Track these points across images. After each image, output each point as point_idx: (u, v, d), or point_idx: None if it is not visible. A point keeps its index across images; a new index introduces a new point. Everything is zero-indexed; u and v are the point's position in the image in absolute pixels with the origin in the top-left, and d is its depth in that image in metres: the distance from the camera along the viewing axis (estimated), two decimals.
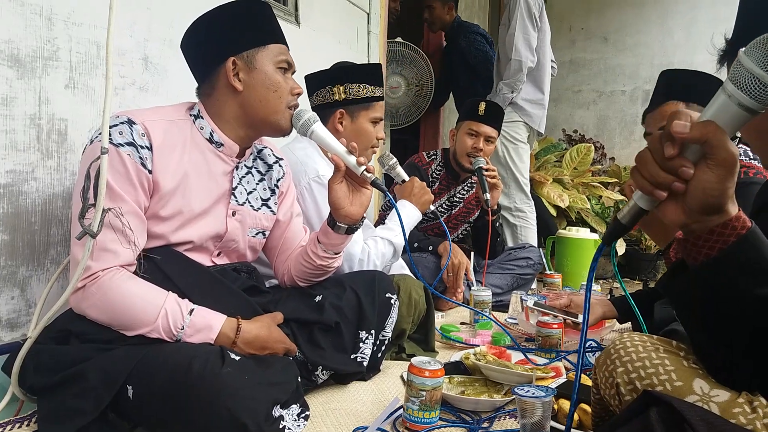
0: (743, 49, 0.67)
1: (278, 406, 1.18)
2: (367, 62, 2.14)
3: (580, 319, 1.93)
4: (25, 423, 1.27)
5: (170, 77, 1.87)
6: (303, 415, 1.26)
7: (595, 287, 2.38)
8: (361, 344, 1.56)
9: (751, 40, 1.01)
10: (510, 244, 3.55)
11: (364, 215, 1.54)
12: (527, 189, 3.66)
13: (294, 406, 1.23)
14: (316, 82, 2.06)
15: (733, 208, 0.67)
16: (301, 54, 2.34)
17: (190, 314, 1.27)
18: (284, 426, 1.19)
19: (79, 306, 1.24)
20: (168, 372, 1.14)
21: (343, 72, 2.05)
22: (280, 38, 1.47)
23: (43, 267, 1.51)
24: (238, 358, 1.22)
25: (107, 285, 1.23)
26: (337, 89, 2.01)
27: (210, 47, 1.42)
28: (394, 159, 2.17)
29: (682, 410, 0.76)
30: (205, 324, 1.29)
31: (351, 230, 1.52)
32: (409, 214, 2.15)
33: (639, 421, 0.79)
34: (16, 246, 1.45)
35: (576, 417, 1.40)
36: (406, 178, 2.19)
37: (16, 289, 1.46)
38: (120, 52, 1.70)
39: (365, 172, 1.44)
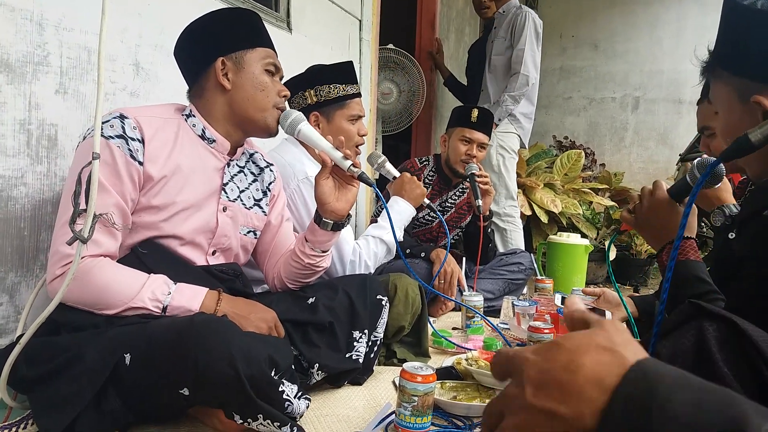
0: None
1: (277, 375, 1.18)
2: (343, 64, 2.13)
3: (608, 316, 1.93)
4: (14, 429, 1.25)
5: (161, 83, 1.87)
6: (304, 396, 1.26)
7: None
8: (355, 343, 1.57)
9: (733, 53, 1.02)
10: (500, 247, 3.58)
11: (350, 213, 1.56)
12: (515, 195, 3.76)
13: (294, 385, 1.23)
14: (291, 88, 2.07)
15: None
16: (293, 60, 2.35)
17: (175, 284, 1.32)
18: (283, 391, 1.18)
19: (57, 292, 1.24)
20: (168, 329, 1.16)
21: (313, 75, 2.06)
22: (268, 43, 1.52)
23: (32, 273, 1.50)
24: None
25: (88, 268, 1.25)
26: (308, 93, 2.03)
27: (200, 49, 1.47)
28: (383, 157, 2.15)
29: (746, 328, 0.70)
30: (191, 291, 1.33)
31: (337, 227, 1.54)
32: (402, 209, 2.14)
33: (691, 334, 0.74)
34: (5, 252, 1.44)
35: None
36: (397, 174, 2.15)
37: (4, 296, 1.45)
38: (111, 57, 1.69)
39: (352, 167, 1.46)
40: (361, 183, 1.51)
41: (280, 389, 1.17)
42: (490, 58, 3.73)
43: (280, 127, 1.53)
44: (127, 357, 1.16)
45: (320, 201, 1.50)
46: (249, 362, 1.10)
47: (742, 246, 0.79)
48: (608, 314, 1.95)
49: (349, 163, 1.47)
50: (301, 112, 1.54)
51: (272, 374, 1.16)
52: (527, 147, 3.97)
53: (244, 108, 1.47)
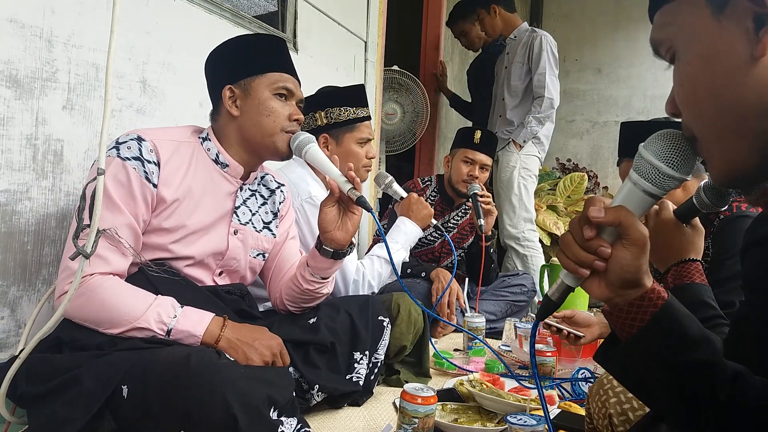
0: (642, 144, 0.74)
1: (275, 411, 1.16)
2: (354, 87, 2.16)
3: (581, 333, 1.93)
4: None
5: (168, 100, 1.88)
6: (303, 430, 1.25)
7: (590, 313, 2.37)
8: (355, 365, 1.56)
9: None
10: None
11: (353, 242, 1.54)
12: (534, 219, 3.71)
13: (293, 419, 1.22)
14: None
15: (648, 281, 0.72)
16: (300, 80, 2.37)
17: (182, 308, 1.31)
18: (283, 431, 1.17)
19: (65, 309, 1.23)
20: (164, 367, 1.14)
21: (324, 97, 2.08)
22: (282, 68, 1.52)
23: (34, 287, 1.50)
24: (232, 359, 1.24)
25: (95, 285, 1.25)
26: (318, 115, 2.04)
27: (214, 76, 1.52)
28: (390, 177, 2.19)
29: None
30: (197, 316, 1.31)
31: (337, 255, 1.52)
32: (408, 230, 2.15)
33: None
34: (8, 266, 1.44)
35: None
36: (404, 194, 2.20)
37: (6, 309, 1.45)
38: (118, 74, 1.71)
39: (352, 190, 1.43)
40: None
41: (279, 430, 1.16)
42: (508, 83, 3.74)
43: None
44: (125, 389, 1.14)
45: (321, 228, 1.49)
46: (246, 408, 1.09)
47: (743, 275, 0.80)
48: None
49: (349, 186, 1.44)
50: (311, 135, 1.53)
51: (271, 412, 1.15)
52: (541, 167, 3.92)
53: (252, 133, 1.48)
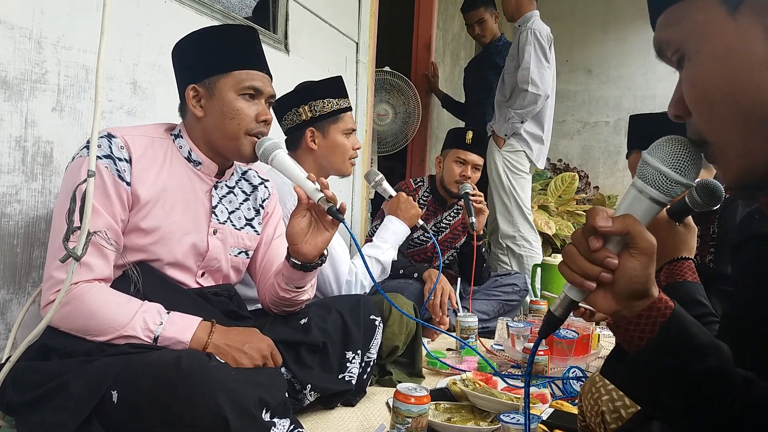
0: (646, 150, 0.72)
1: (268, 412, 1.16)
2: (334, 79, 2.15)
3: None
4: None
5: (158, 102, 1.88)
6: (296, 430, 1.25)
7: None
8: (348, 364, 1.56)
9: None
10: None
11: (325, 253, 1.48)
12: (531, 219, 3.62)
13: (285, 419, 1.21)
14: (282, 106, 2.08)
15: (655, 291, 0.70)
16: (290, 82, 2.37)
17: (168, 314, 1.29)
18: None
19: (51, 319, 1.22)
20: (155, 371, 1.13)
21: (306, 91, 2.07)
22: (250, 64, 1.43)
23: (24, 290, 1.49)
24: (223, 362, 1.23)
25: (80, 294, 1.24)
26: (303, 109, 2.03)
27: (180, 72, 1.47)
28: (381, 175, 2.21)
29: None
30: (184, 321, 1.30)
31: (306, 268, 1.44)
32: (396, 229, 2.17)
33: None
34: None
35: None
36: (393, 193, 2.23)
37: None
38: (109, 76, 1.70)
39: (323, 200, 1.36)
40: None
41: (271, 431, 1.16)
42: (503, 77, 3.65)
43: None
44: (115, 394, 1.13)
45: (289, 240, 1.41)
46: (238, 410, 1.08)
47: (735, 271, 0.80)
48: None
49: (319, 194, 1.36)
50: (277, 140, 1.45)
51: (263, 414, 1.14)
52: (541, 168, 3.81)
53: (216, 136, 1.42)
